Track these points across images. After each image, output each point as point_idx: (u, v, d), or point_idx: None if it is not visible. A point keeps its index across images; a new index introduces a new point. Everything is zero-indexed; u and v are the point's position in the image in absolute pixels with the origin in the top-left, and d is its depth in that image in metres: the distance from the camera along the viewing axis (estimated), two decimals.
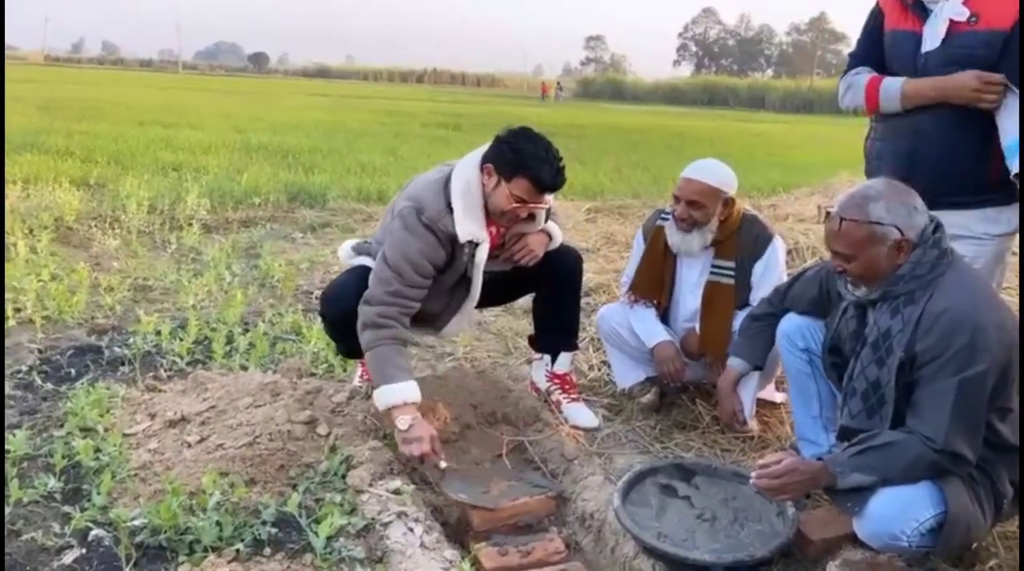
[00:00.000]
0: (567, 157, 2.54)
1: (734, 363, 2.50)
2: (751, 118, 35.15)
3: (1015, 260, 2.86)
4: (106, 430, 2.48)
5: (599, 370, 3.29)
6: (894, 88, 2.30)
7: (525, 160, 2.37)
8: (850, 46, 2.57)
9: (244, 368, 3.09)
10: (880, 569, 1.86)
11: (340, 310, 2.50)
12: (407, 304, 2.40)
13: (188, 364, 3.14)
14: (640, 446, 2.66)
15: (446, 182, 2.45)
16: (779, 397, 2.89)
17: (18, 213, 5.31)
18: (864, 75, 2.39)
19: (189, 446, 2.35)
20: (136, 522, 1.96)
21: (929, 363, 1.81)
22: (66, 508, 2.08)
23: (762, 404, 2.82)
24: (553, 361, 2.88)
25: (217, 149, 9.96)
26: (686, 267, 2.79)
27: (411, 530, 1.99)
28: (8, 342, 3.20)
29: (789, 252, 4.26)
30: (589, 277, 4.36)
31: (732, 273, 2.70)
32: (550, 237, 2.67)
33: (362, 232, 5.79)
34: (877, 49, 2.40)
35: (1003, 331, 1.79)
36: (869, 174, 2.41)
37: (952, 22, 2.20)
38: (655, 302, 2.83)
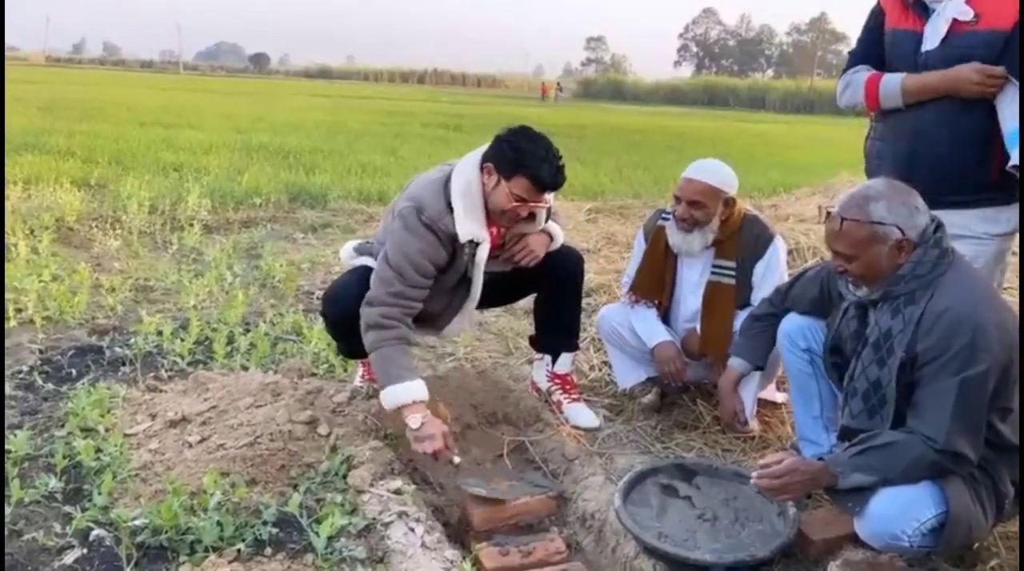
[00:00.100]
0: (568, 157, 2.54)
1: (735, 363, 2.49)
2: (752, 118, 35.19)
3: (1015, 260, 2.86)
4: (107, 430, 2.48)
5: (600, 370, 3.28)
6: (894, 84, 2.30)
7: (525, 159, 2.36)
8: (850, 46, 2.57)
9: (245, 368, 3.09)
10: (881, 569, 1.86)
11: (342, 310, 2.51)
12: (409, 304, 2.41)
13: (189, 364, 3.14)
14: (641, 446, 2.66)
15: (446, 182, 2.45)
16: (780, 397, 2.89)
17: (19, 213, 5.32)
18: (863, 73, 2.39)
19: (190, 446, 2.36)
20: (137, 522, 1.96)
21: (930, 363, 1.81)
22: (67, 508, 2.08)
23: (763, 404, 2.82)
24: (554, 361, 2.88)
25: (218, 149, 9.96)
26: (687, 267, 2.79)
27: (412, 530, 1.99)
28: (9, 342, 3.20)
29: (790, 252, 4.26)
30: (590, 277, 4.35)
31: (733, 273, 2.70)
32: (551, 237, 2.67)
33: (363, 232, 5.79)
34: (877, 48, 2.40)
35: (1004, 331, 1.79)
36: (869, 174, 2.41)
37: (954, 21, 2.20)
38: (656, 302, 2.83)
